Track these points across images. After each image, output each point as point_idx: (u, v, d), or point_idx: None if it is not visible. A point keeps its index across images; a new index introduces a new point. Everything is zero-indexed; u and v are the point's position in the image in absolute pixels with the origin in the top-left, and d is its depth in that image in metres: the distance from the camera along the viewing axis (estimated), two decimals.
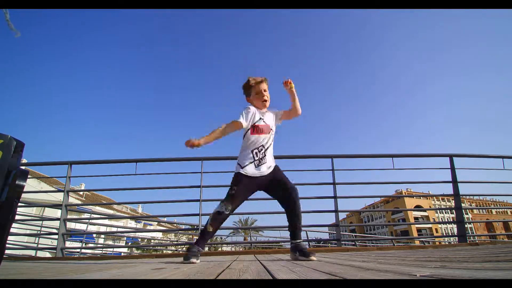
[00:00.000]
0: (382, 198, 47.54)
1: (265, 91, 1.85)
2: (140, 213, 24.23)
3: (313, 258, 1.54)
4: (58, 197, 10.34)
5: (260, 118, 1.81)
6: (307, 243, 8.30)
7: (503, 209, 54.45)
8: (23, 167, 0.96)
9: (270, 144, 1.82)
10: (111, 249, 9.13)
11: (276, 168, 1.83)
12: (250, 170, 1.72)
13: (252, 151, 1.75)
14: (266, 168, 1.76)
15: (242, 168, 1.72)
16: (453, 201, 3.74)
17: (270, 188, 1.82)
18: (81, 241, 6.96)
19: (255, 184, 1.75)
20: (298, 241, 1.71)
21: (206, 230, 1.69)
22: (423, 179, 3.70)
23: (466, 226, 3.56)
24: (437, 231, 50.30)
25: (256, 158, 1.75)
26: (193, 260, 1.58)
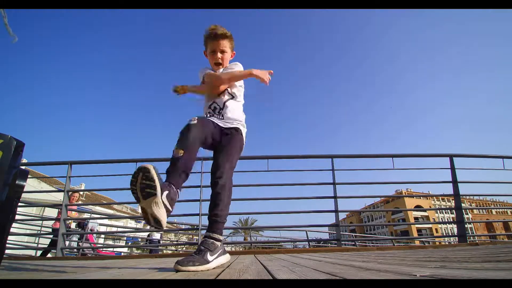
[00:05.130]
0: (382, 198, 47.58)
1: (222, 52, 1.52)
2: (140, 213, 24.21)
3: (180, 267, 1.04)
4: (58, 197, 10.35)
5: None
6: (307, 243, 8.32)
7: (503, 209, 54.44)
8: (23, 167, 0.96)
9: (226, 99, 1.51)
10: (111, 249, 9.13)
11: (233, 134, 1.46)
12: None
13: (207, 109, 1.53)
14: (224, 122, 1.47)
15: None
16: (453, 201, 3.74)
17: (213, 147, 1.46)
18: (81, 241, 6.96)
19: (212, 125, 1.41)
20: (209, 233, 1.26)
21: (173, 156, 1.27)
22: (423, 179, 3.70)
23: (466, 226, 3.56)
24: (437, 231, 50.29)
25: (209, 114, 1.49)
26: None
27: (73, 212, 5.19)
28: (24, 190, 0.94)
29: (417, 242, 11.90)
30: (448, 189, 3.67)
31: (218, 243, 1.25)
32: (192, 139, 1.24)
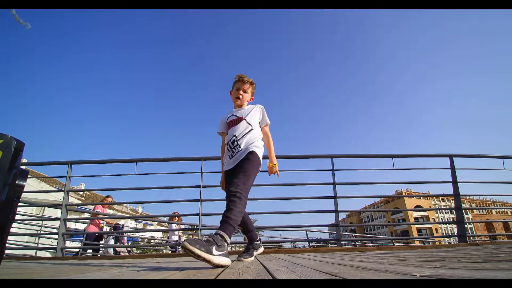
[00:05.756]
0: (382, 198, 47.53)
1: (244, 91, 1.87)
2: (140, 213, 24.24)
3: (187, 245, 1.14)
4: (58, 197, 10.35)
5: (232, 115, 1.84)
6: (307, 243, 8.32)
7: (503, 209, 54.41)
8: (23, 167, 0.96)
9: (243, 131, 1.73)
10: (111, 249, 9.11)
11: (249, 157, 1.66)
12: (225, 165, 1.80)
13: (227, 145, 1.77)
14: (239, 155, 1.69)
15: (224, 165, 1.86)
16: (453, 201, 3.74)
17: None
18: (81, 241, 6.96)
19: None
20: (218, 231, 1.34)
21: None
22: (423, 179, 3.70)
23: (466, 226, 3.56)
24: (437, 231, 50.31)
25: (230, 150, 1.75)
26: (248, 258, 1.71)
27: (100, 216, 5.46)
28: (24, 190, 0.94)
29: (417, 242, 11.90)
30: (448, 189, 3.67)
31: (225, 244, 1.30)
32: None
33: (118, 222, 6.16)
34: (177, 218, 5.93)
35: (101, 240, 5.59)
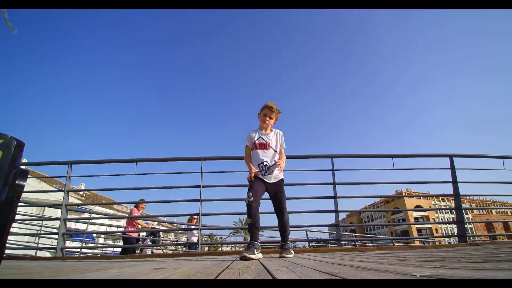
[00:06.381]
0: (382, 198, 47.59)
1: (270, 118, 2.28)
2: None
3: (285, 255, 2.03)
4: (58, 197, 10.34)
5: (260, 137, 2.29)
6: (307, 243, 8.33)
7: (503, 209, 54.45)
8: (23, 167, 0.97)
9: (272, 158, 2.24)
10: (111, 249, 9.13)
11: (279, 184, 2.26)
12: (259, 174, 2.23)
13: (258, 165, 2.23)
14: (272, 177, 2.23)
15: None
16: (453, 201, 3.74)
17: (271, 198, 2.28)
18: (81, 241, 6.97)
19: (264, 184, 2.21)
20: (283, 243, 2.20)
21: (248, 224, 2.11)
22: (423, 179, 3.71)
23: (466, 226, 3.57)
24: (437, 231, 50.30)
25: (262, 169, 2.23)
26: (248, 255, 1.83)
27: (141, 222, 5.80)
28: (24, 190, 0.94)
29: (417, 242, 11.90)
30: (448, 189, 3.67)
31: (291, 248, 2.19)
32: (254, 210, 2.08)
33: (154, 226, 6.45)
34: (195, 220, 6.06)
35: (139, 242, 5.86)
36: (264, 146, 2.26)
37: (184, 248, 6.53)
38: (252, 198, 2.07)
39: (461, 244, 3.05)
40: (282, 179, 2.29)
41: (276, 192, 2.23)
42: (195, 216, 6.05)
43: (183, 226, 6.71)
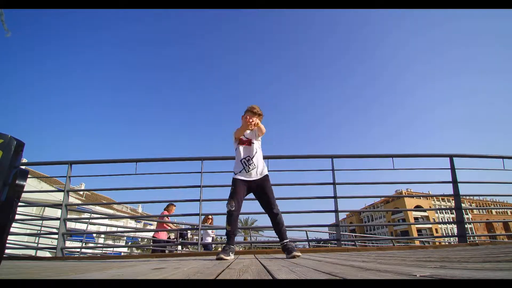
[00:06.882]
0: (382, 198, 47.57)
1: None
2: (140, 213, 24.24)
3: (296, 254, 1.92)
4: (58, 197, 10.34)
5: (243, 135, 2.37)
6: (307, 243, 8.33)
7: (503, 209, 54.43)
8: (23, 167, 0.96)
9: (256, 152, 2.29)
10: (111, 249, 9.13)
11: (264, 179, 2.25)
12: (241, 176, 2.23)
13: (241, 161, 2.25)
14: (257, 173, 2.24)
15: (235, 174, 2.27)
16: (453, 201, 3.74)
17: (257, 196, 2.29)
18: (81, 241, 6.97)
19: (246, 186, 2.22)
20: (285, 241, 2.14)
21: (226, 230, 2.14)
22: (423, 179, 3.71)
23: (466, 226, 3.57)
24: (437, 231, 50.29)
25: (245, 166, 2.23)
26: (224, 256, 1.91)
27: (172, 224, 5.94)
28: (24, 190, 0.94)
29: (417, 242, 11.90)
30: (448, 189, 3.67)
31: (293, 246, 2.09)
32: (234, 218, 2.13)
33: (186, 231, 6.59)
34: (210, 221, 6.20)
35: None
36: (246, 142, 2.32)
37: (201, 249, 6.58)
38: (234, 208, 2.12)
39: (461, 244, 3.05)
40: (267, 175, 2.30)
41: (263, 187, 2.23)
42: (210, 217, 6.20)
43: (183, 226, 6.71)
